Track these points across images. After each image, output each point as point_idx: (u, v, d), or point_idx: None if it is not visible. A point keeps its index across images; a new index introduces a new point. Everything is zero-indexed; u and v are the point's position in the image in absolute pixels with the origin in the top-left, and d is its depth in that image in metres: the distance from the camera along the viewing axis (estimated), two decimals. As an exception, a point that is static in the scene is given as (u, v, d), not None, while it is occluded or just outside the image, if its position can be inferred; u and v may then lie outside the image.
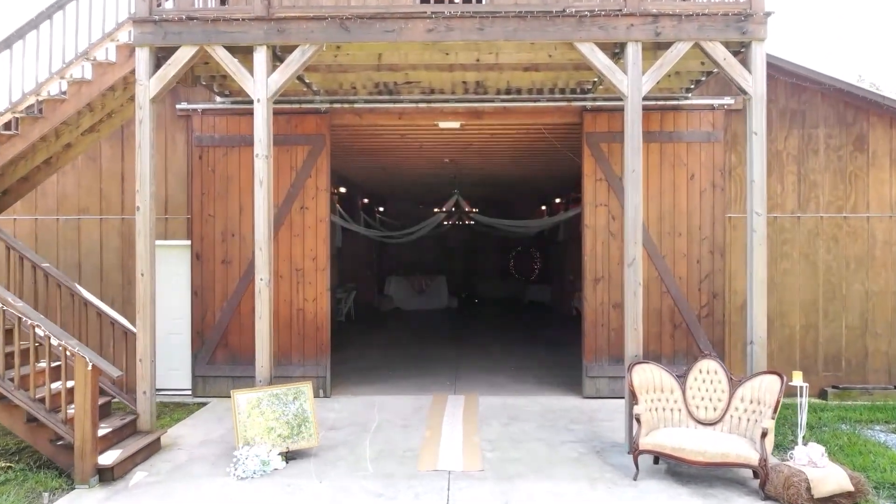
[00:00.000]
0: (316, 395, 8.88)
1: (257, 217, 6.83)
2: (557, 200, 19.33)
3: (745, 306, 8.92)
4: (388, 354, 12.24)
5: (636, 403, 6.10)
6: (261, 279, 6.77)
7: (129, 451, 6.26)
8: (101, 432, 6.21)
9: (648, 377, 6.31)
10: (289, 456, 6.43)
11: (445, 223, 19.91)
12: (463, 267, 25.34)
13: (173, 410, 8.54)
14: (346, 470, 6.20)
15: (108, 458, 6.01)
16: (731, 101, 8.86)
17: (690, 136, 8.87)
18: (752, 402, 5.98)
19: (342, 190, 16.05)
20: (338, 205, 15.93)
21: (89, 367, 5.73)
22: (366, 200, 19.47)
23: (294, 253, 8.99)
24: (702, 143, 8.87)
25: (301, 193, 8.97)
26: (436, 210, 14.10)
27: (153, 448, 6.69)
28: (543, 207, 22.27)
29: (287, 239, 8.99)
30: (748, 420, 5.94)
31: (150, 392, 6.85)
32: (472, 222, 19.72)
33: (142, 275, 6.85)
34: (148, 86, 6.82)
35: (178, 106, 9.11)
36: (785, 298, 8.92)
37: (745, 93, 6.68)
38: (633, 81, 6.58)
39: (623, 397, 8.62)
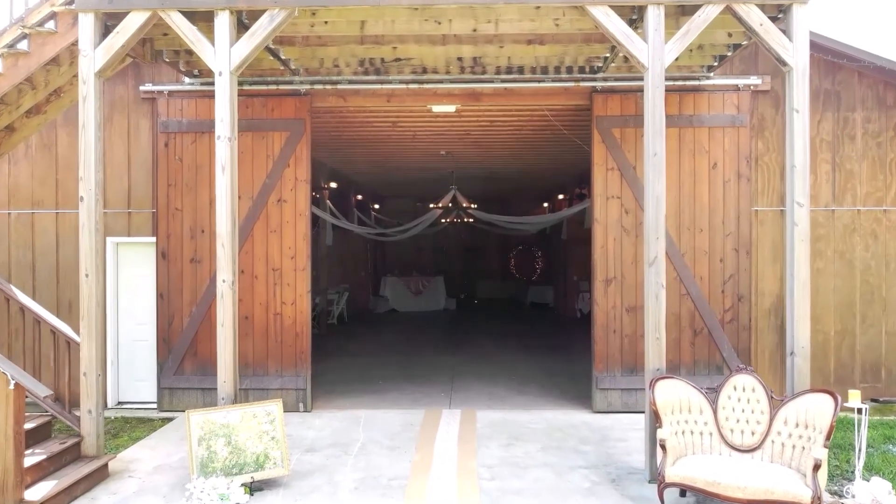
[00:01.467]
0: (295, 410, 7.97)
1: (219, 208, 5.90)
2: (561, 197, 18.46)
3: (773, 310, 8.02)
4: (380, 361, 11.32)
5: (660, 426, 5.18)
6: (223, 280, 5.84)
7: (67, 481, 5.34)
8: (32, 460, 5.30)
9: (674, 395, 5.39)
10: (254, 487, 5.51)
11: (443, 220, 19.01)
12: (461, 267, 24.43)
13: (135, 427, 7.62)
14: (319, 505, 5.29)
15: (38, 491, 5.09)
16: (758, 81, 7.93)
17: (713, 121, 7.95)
18: (797, 425, 5.06)
19: (333, 185, 15.14)
20: (328, 201, 15.04)
21: (11, 386, 4.81)
22: (359, 197, 18.56)
23: (271, 251, 8.08)
24: (725, 127, 7.94)
25: (278, 185, 8.05)
26: (431, 206, 13.19)
27: (98, 476, 5.77)
28: (545, 205, 21.38)
29: (263, 235, 8.07)
30: (793, 447, 5.02)
31: (96, 411, 5.93)
32: (470, 220, 18.83)
33: (86, 276, 5.92)
34: (93, 57, 5.90)
35: (141, 88, 8.19)
36: (818, 301, 7.98)
37: (784, 64, 5.76)
38: (654, 50, 5.67)
39: (638, 412, 7.73)
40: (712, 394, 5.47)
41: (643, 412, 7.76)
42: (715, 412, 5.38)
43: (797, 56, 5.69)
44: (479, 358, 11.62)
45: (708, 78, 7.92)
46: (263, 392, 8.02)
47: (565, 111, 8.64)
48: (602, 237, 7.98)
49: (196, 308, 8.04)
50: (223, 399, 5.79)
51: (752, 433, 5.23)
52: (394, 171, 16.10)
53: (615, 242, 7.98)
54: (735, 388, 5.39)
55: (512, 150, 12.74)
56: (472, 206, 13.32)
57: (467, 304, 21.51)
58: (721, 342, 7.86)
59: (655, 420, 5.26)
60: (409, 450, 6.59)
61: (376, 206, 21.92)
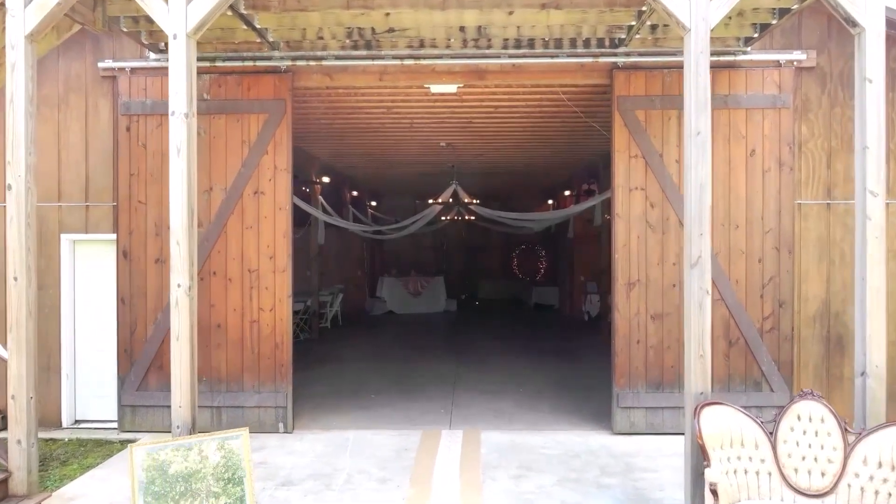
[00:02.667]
0: (273, 430, 7.01)
1: (174, 199, 4.95)
2: (567, 194, 17.48)
3: (818, 317, 7.05)
4: (374, 369, 10.34)
5: (707, 464, 4.21)
6: (178, 285, 4.88)
7: (-16, 530, 4.40)
8: (-61, 505, 4.35)
9: (723, 425, 4.41)
10: (212, 536, 4.55)
11: (443, 218, 18.03)
12: (462, 267, 23.47)
13: (89, 452, 6.65)
14: (290, 560, 4.33)
15: (-58, 546, 4.14)
16: (802, 57, 6.95)
17: (750, 101, 6.97)
18: (880, 465, 4.09)
19: (325, 180, 14.17)
20: (320, 196, 14.08)
21: None
22: (354, 193, 17.59)
23: (246, 250, 7.10)
24: (765, 109, 6.96)
25: (255, 174, 7.07)
26: (430, 201, 12.22)
27: (28, 520, 4.82)
28: (550, 202, 20.41)
29: (237, 231, 7.09)
30: (876, 493, 4.05)
31: (27, 441, 4.97)
32: (472, 217, 17.85)
33: (15, 279, 4.96)
34: (23, 18, 4.93)
35: (100, 64, 7.21)
36: (889, 309, 6.97)
37: (854, 25, 4.78)
38: (697, 6, 4.68)
39: (665, 433, 6.77)
40: (769, 424, 4.49)
41: (671, 434, 6.84)
42: (774, 447, 4.40)
43: (871, 14, 4.71)
44: (481, 366, 10.64)
45: (744, 53, 6.93)
46: (238, 410, 7.05)
47: (581, 92, 7.67)
48: (624, 234, 7.00)
49: (162, 315, 7.05)
50: (178, 428, 4.83)
51: (823, 474, 4.25)
52: (390, 166, 15.13)
53: (639, 241, 6.99)
54: (799, 418, 4.41)
55: (517, 141, 11.77)
56: (474, 201, 12.35)
57: (468, 306, 20.54)
58: (759, 354, 6.89)
59: (703, 457, 4.28)
60: (403, 482, 5.62)
61: (373, 204, 20.96)
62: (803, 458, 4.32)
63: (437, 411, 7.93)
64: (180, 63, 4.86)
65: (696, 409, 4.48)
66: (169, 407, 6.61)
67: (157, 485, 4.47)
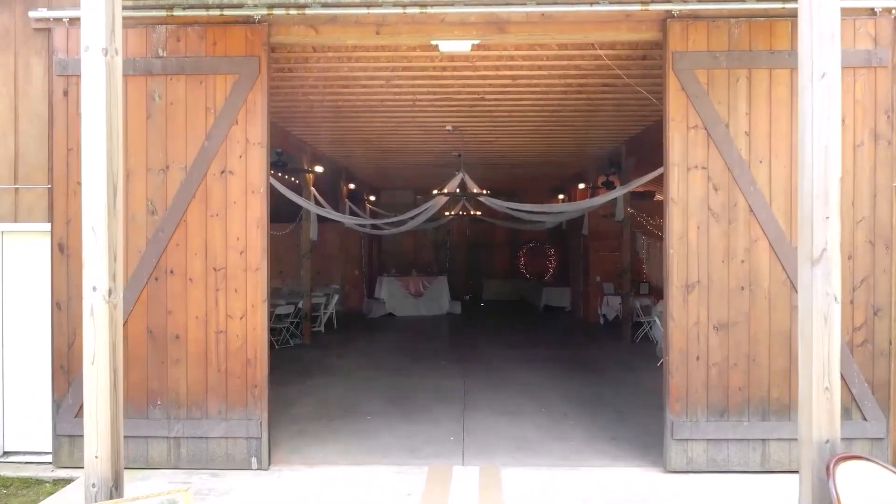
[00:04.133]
0: (245, 467, 5.65)
1: (87, 170, 3.58)
2: (581, 187, 16.12)
3: (921, 328, 5.68)
4: (370, 383, 8.97)
5: (852, 551, 2.86)
6: (93, 288, 3.52)
7: None
8: None
9: (871, 492, 3.06)
10: None
11: (446, 213, 16.67)
12: (466, 266, 22.10)
13: (11, 496, 5.30)
14: None
15: None
16: (902, 4, 5.60)
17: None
18: None
19: (319, 169, 12.80)
20: (313, 187, 12.72)
21: None
22: (351, 186, 16.23)
23: (212, 243, 5.73)
24: (856, 68, 5.59)
25: (222, 149, 5.71)
26: (435, 192, 10.87)
27: None
28: (561, 197, 19.05)
29: (200, 220, 5.72)
30: None
31: None
32: (477, 213, 16.48)
33: None
34: None
35: (31, 14, 5.83)
36: None
37: None
38: None
39: (733, 472, 5.42)
40: (933, 488, 3.14)
41: (737, 472, 5.50)
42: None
43: None
44: (493, 378, 9.28)
45: (830, -1, 5.58)
46: (201, 442, 5.69)
47: (625, 49, 6.33)
48: (680, 224, 5.63)
49: (107, 323, 5.68)
50: (94, 486, 3.47)
51: None
52: (390, 155, 13.77)
53: (699, 232, 5.63)
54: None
55: (533, 124, 10.43)
56: (484, 192, 10.99)
57: (473, 308, 19.16)
58: (849, 373, 5.52)
59: (845, 541, 2.93)
60: (406, 548, 4.27)
61: (372, 198, 19.61)
62: None
63: (444, 439, 6.56)
64: (98, -22, 3.50)
65: (831, 463, 3.13)
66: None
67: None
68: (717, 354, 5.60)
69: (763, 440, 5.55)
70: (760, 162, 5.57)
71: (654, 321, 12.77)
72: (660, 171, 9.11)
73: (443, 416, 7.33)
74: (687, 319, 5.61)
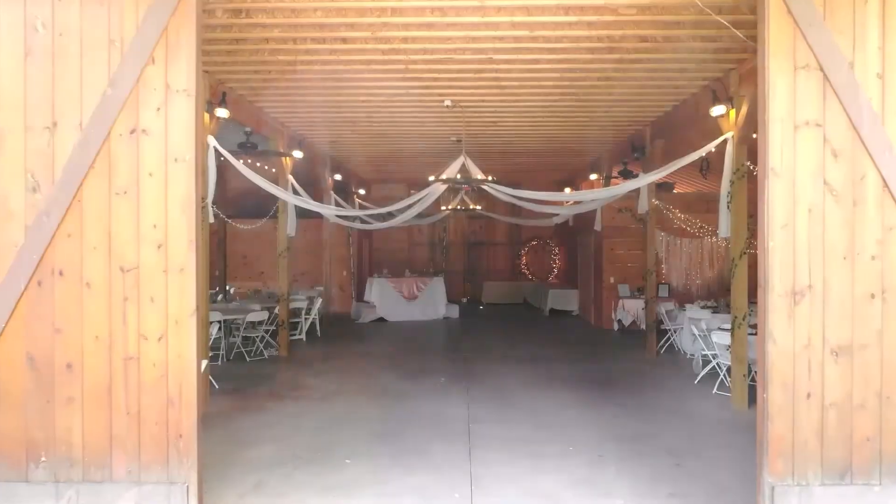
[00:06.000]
0: (164, 553, 3.94)
1: None
2: (593, 177, 14.49)
3: None
4: (352, 412, 7.29)
5: None
6: None
7: None
8: None
9: None
10: None
11: (443, 208, 15.01)
12: (464, 266, 20.46)
13: None
14: None
15: None
16: None
17: None
18: None
19: (297, 154, 11.13)
20: (290, 175, 11.06)
21: None
22: (338, 177, 14.55)
23: (118, 233, 4.04)
24: None
25: (132, 99, 4.01)
26: (432, 178, 9.18)
27: None
28: (567, 190, 17.42)
29: (101, 200, 4.03)
30: None
31: None
32: (477, 208, 14.82)
33: None
34: None
35: None
36: None
37: None
38: None
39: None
40: None
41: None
42: None
43: None
44: (503, 402, 7.62)
45: None
46: (102, 516, 4.01)
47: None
48: (784, 206, 3.98)
49: (-29, 346, 4.00)
50: None
51: None
52: (380, 140, 12.11)
53: (811, 217, 3.98)
54: None
55: (548, 95, 8.79)
56: (489, 178, 9.33)
57: (472, 311, 17.51)
58: None
59: None
60: None
61: (362, 192, 17.94)
62: None
63: (448, 496, 4.89)
64: None
65: None
66: None
67: None
68: (837, 391, 3.95)
69: (903, 513, 3.91)
70: (900, 117, 3.94)
71: (681, 329, 11.18)
72: (708, 148, 7.51)
73: (444, 461, 5.65)
74: (793, 341, 3.96)
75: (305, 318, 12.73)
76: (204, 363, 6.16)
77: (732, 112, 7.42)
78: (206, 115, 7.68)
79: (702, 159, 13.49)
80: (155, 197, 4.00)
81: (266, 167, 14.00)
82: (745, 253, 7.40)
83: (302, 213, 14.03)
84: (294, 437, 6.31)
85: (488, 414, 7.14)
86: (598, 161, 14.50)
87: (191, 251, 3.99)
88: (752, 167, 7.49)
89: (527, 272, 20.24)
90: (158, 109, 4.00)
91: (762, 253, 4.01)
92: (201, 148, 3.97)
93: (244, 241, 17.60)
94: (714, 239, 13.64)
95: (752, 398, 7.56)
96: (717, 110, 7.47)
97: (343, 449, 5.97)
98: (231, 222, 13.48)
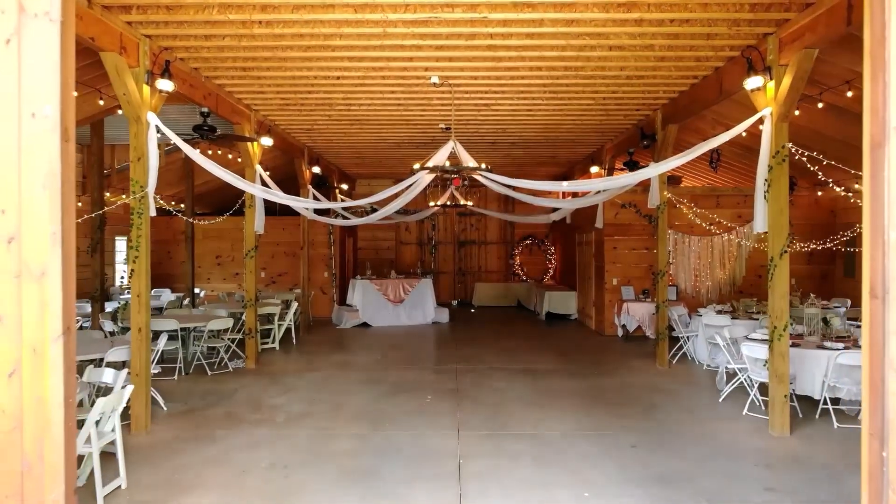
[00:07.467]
0: None
1: None
2: (594, 170, 13.37)
3: None
4: (319, 443, 6.07)
5: None
6: None
7: None
8: None
9: None
10: None
11: (431, 204, 13.84)
12: (454, 266, 19.30)
13: None
14: None
15: None
16: None
17: None
18: None
19: (266, 141, 9.91)
20: (259, 165, 9.84)
21: None
22: (316, 170, 13.32)
23: (-47, 221, 2.81)
24: None
25: (-30, 27, 2.79)
26: (416, 167, 7.95)
27: None
28: (565, 184, 16.25)
29: (-76, 175, 2.80)
30: None
31: None
32: (468, 203, 13.65)
33: None
34: None
35: None
36: None
37: None
38: None
39: None
40: None
41: None
42: None
43: None
44: (501, 433, 6.41)
45: None
46: None
47: None
48: (908, 182, 2.81)
49: None
50: None
51: None
52: (359, 127, 10.88)
53: (947, 197, 2.80)
54: None
55: (551, 69, 7.62)
56: (482, 166, 8.14)
57: (462, 315, 16.33)
58: None
59: None
60: None
61: (344, 187, 16.74)
62: None
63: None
64: None
65: None
66: None
67: None
68: (984, 445, 2.77)
69: None
70: None
71: (696, 336, 10.04)
72: (744, 125, 6.36)
73: (428, 515, 4.46)
74: (922, 375, 2.77)
75: (279, 325, 11.50)
76: (128, 389, 4.94)
77: (770, 86, 6.28)
78: (146, 88, 6.46)
79: (712, 150, 12.23)
80: (1, 168, 2.76)
81: (231, 156, 12.72)
82: (785, 251, 6.25)
83: (283, 211, 12.77)
84: (245, 480, 5.09)
85: (482, 446, 5.94)
86: (599, 153, 13.37)
87: (55, 247, 2.74)
88: (794, 150, 6.34)
89: (521, 273, 19.09)
90: (7, 42, 2.75)
91: (877, 250, 2.82)
92: (69, 100, 2.72)
93: (218, 240, 16.36)
94: (725, 237, 12.53)
95: (796, 424, 6.42)
96: (753, 82, 6.31)
97: (303, 496, 4.75)
98: (191, 221, 12.24)
